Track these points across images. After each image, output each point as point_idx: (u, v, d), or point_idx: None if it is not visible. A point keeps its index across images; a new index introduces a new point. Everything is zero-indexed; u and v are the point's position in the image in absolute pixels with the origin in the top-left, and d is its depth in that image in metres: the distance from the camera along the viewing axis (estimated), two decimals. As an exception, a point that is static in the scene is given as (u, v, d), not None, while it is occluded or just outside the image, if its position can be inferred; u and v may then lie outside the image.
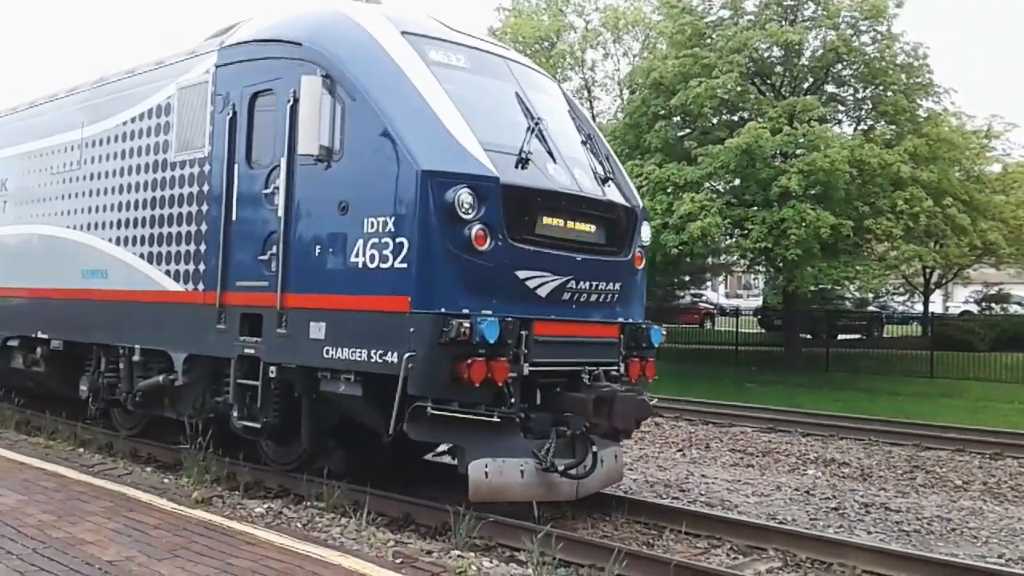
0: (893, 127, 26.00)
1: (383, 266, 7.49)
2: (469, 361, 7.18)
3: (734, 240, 26.16)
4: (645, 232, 9.05)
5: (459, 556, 6.69)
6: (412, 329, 7.24)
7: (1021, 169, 32.19)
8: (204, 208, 9.26)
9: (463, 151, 7.53)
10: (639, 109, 26.73)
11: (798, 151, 23.91)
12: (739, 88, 25.28)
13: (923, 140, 24.16)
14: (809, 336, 33.52)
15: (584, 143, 8.99)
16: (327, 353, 7.84)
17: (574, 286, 8.09)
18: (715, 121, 26.54)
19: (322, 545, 6.59)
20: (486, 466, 7.46)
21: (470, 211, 7.39)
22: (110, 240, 10.58)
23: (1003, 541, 8.65)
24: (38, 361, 11.92)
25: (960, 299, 48.11)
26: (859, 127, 27.54)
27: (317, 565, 5.93)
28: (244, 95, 8.89)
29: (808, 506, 9.87)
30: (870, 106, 26.91)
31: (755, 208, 23.54)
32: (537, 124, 8.21)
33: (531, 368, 7.66)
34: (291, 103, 8.29)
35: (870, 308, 42.55)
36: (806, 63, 26.95)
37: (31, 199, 12.26)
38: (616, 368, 8.44)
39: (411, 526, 7.98)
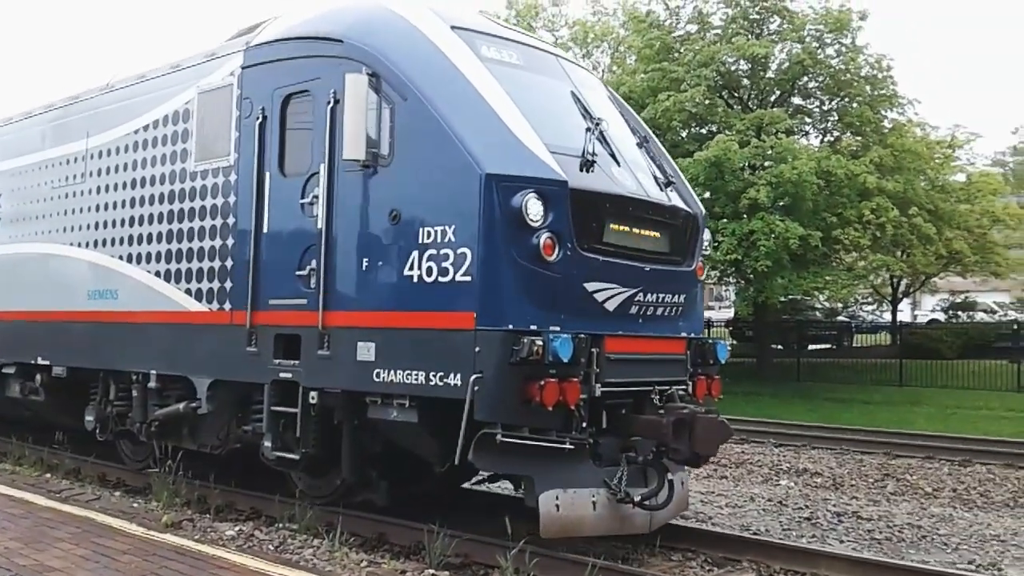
0: (859, 138, 26.47)
1: (442, 279, 6.84)
2: (542, 382, 6.54)
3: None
4: (707, 240, 8.47)
5: (433, 575, 6.75)
6: (478, 348, 6.59)
7: (984, 179, 32.99)
8: (231, 220, 8.57)
9: (529, 153, 6.92)
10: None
11: (766, 163, 24.36)
12: (707, 101, 25.66)
13: (888, 151, 24.73)
14: (780, 346, 34.00)
15: (640, 145, 8.41)
16: (378, 376, 7.16)
17: (642, 299, 7.49)
18: (684, 134, 26.82)
19: (294, 567, 6.53)
20: (557, 498, 6.82)
21: (537, 218, 6.77)
22: (120, 257, 9.83)
23: (973, 547, 8.65)
24: (37, 389, 11.09)
25: (928, 308, 48.98)
26: (826, 138, 28.10)
27: (290, 587, 5.75)
28: (276, 98, 8.23)
29: (781, 516, 9.87)
30: (836, 118, 27.48)
31: (724, 220, 23.82)
32: (598, 125, 7.61)
33: (602, 389, 7.03)
34: (331, 105, 7.64)
35: (840, 318, 42.88)
36: (773, 76, 27.39)
37: (28, 216, 11.46)
38: (685, 387, 7.83)
39: (385, 546, 7.74)
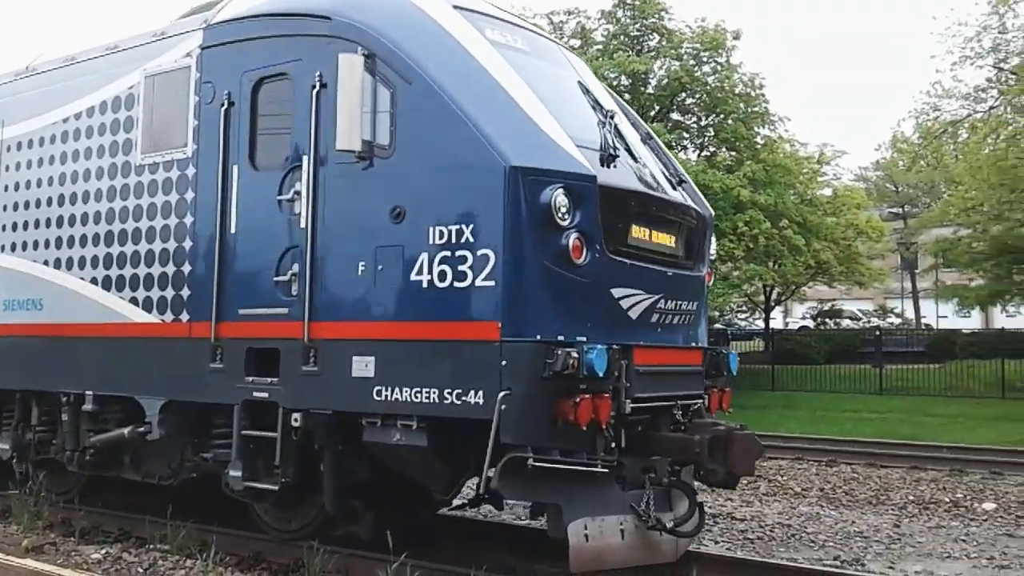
0: (733, 153, 27.68)
1: (459, 285, 6.07)
2: (577, 399, 5.85)
3: None
4: (713, 244, 7.96)
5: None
6: (505, 362, 5.84)
7: (849, 193, 35.59)
8: (188, 220, 7.56)
9: (554, 145, 6.24)
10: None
11: (646, 177, 25.07)
12: (590, 116, 26.24)
13: (760, 166, 25.89)
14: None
15: (645, 141, 7.84)
16: (378, 395, 6.33)
17: (663, 306, 6.89)
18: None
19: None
20: (586, 527, 6.14)
21: (566, 216, 6.09)
22: (45, 263, 8.63)
23: (838, 544, 8.82)
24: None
25: (798, 315, 51.31)
26: (703, 153, 29.01)
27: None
28: (245, 82, 7.29)
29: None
30: (712, 133, 28.51)
31: None
32: (612, 117, 7.00)
33: (632, 405, 6.38)
34: (317, 89, 6.78)
35: (716, 326, 43.99)
36: (652, 92, 28.25)
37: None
38: (702, 401, 7.28)
39: (262, 564, 7.41)
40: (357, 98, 6.36)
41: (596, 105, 7.25)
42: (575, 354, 5.81)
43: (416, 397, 6.17)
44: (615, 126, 6.99)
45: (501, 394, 5.75)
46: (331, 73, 6.66)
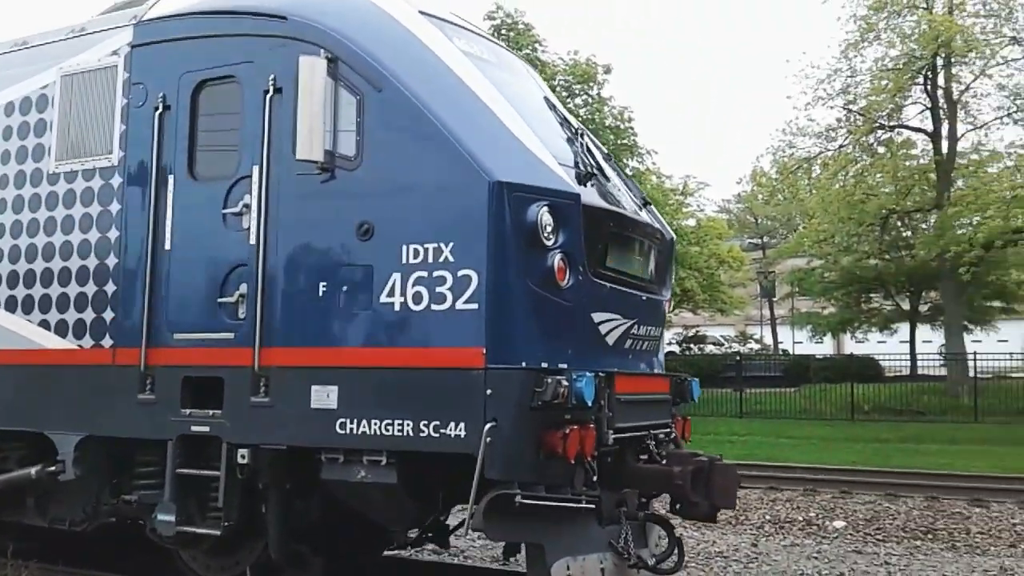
0: None
1: (436, 307, 5.60)
2: (566, 431, 5.46)
3: None
4: (674, 269, 7.75)
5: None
6: (491, 391, 5.40)
7: (712, 223, 37.58)
8: (113, 234, 6.81)
9: (537, 160, 5.89)
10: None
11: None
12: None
13: None
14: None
15: (607, 159, 7.57)
16: (342, 427, 5.77)
17: (636, 331, 6.61)
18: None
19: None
20: (568, 568, 5.73)
21: (551, 236, 5.73)
22: (-66, 281, 7.65)
23: (700, 564, 8.92)
24: None
25: (664, 341, 52.64)
26: None
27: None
28: (184, 84, 6.63)
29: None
30: None
31: None
32: (582, 134, 6.71)
33: (613, 435, 6.03)
34: (270, 94, 6.22)
35: None
36: None
37: None
38: (670, 430, 6.99)
39: None
40: (320, 105, 5.84)
41: (564, 121, 6.95)
42: (565, 382, 5.43)
43: (387, 430, 5.65)
44: (586, 144, 6.70)
45: (488, 425, 5.31)
46: (286, 77, 6.14)
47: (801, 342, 51.38)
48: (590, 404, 5.53)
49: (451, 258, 5.59)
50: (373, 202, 5.87)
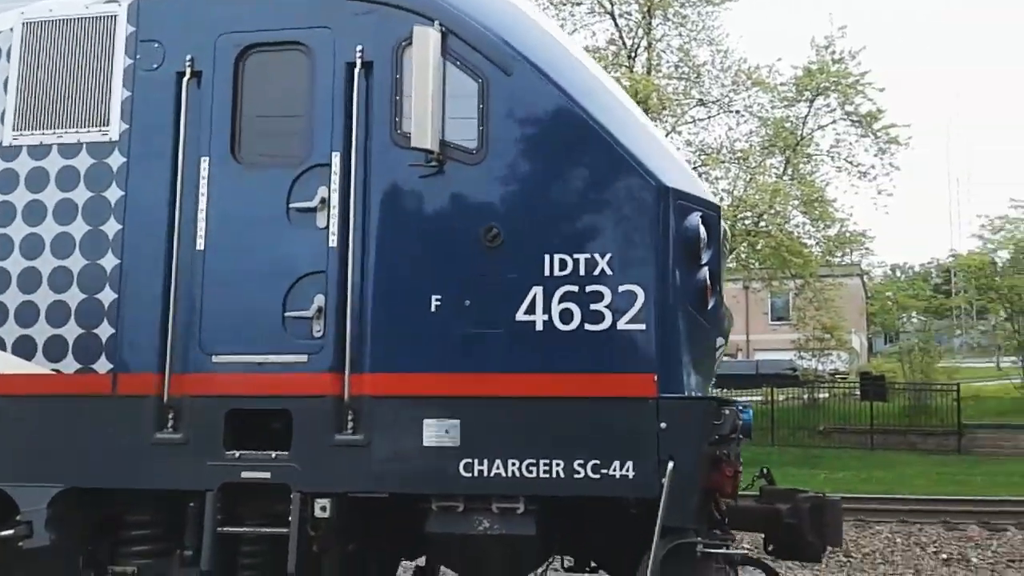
0: None
1: (592, 328, 4.84)
2: (735, 469, 4.90)
3: None
4: None
5: None
6: (665, 424, 4.73)
7: None
8: (111, 227, 5.32)
9: (681, 165, 5.34)
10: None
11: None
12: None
13: None
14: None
15: None
16: (467, 469, 4.82)
17: (719, 355, 6.18)
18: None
19: None
20: None
21: (704, 251, 5.17)
22: None
23: None
24: None
25: None
26: None
27: None
28: (222, 48, 5.34)
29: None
30: None
31: None
32: (666, 135, 6.21)
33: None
34: (359, 68, 5.15)
35: None
36: None
37: None
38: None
39: None
40: (436, 86, 4.92)
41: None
42: (741, 415, 4.89)
43: (529, 471, 4.78)
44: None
45: (671, 465, 4.62)
46: (378, 50, 5.14)
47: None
48: (751, 438, 5.03)
49: (609, 271, 4.87)
50: (503, 203, 5.01)
